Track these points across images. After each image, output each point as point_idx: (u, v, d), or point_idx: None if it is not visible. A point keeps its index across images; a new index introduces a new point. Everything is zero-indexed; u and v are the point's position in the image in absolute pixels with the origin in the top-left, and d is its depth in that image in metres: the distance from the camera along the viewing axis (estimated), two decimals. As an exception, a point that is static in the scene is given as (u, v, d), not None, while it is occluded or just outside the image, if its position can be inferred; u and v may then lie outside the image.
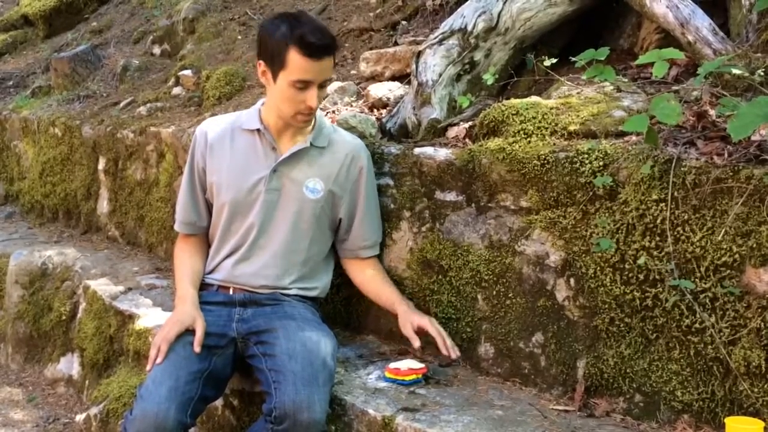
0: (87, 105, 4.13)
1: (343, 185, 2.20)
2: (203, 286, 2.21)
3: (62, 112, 4.14)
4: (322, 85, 2.08)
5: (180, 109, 3.66)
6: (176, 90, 3.85)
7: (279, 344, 1.97)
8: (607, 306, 1.88)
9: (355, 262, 2.29)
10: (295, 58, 2.00)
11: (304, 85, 2.03)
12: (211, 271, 2.22)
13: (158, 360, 1.94)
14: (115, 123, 3.73)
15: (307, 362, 1.90)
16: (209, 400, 2.03)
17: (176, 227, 2.30)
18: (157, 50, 4.53)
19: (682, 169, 1.76)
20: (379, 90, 2.69)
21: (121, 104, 3.93)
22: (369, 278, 2.26)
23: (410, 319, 2.12)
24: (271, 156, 2.16)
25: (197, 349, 1.97)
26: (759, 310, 1.65)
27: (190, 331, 2.01)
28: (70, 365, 3.12)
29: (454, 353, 2.06)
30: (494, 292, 2.09)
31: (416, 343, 2.09)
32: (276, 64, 2.04)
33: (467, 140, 2.26)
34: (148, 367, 1.94)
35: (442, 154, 2.23)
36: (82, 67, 4.38)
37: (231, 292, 2.17)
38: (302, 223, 2.16)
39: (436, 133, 2.37)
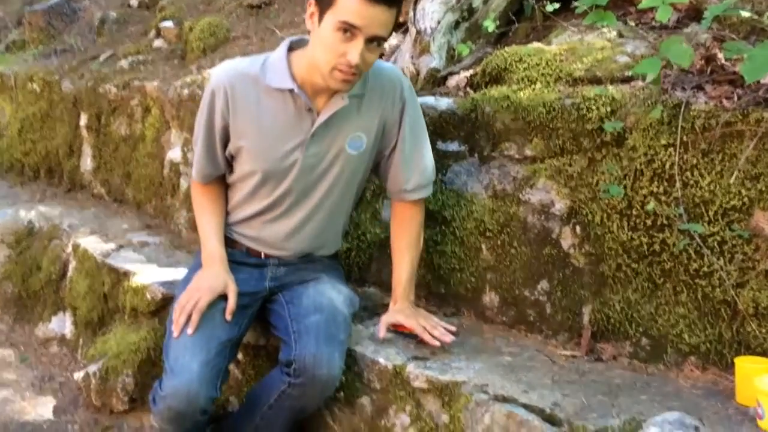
0: (65, 59, 4.01)
1: (387, 124, 1.99)
2: (231, 242, 2.07)
3: (39, 67, 4.01)
4: (372, 41, 1.76)
5: (163, 62, 3.57)
6: (157, 42, 3.75)
7: (308, 295, 1.94)
8: (613, 252, 1.89)
9: (397, 206, 2.08)
10: None
11: (350, 31, 1.73)
12: (238, 223, 2.06)
13: (189, 331, 1.84)
14: (96, 77, 3.63)
15: (331, 317, 1.88)
16: (230, 365, 1.96)
17: (193, 176, 2.09)
18: (134, 1, 4.39)
19: (691, 113, 1.75)
20: (374, 39, 2.64)
21: (101, 58, 3.82)
22: (397, 234, 2.07)
23: (392, 320, 1.99)
24: (306, 118, 1.91)
25: (229, 317, 1.89)
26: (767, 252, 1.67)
27: (221, 297, 1.91)
28: (62, 324, 3.08)
29: (447, 337, 1.93)
30: (498, 242, 2.09)
31: (380, 333, 1.96)
32: (325, 2, 1.76)
33: (468, 89, 2.23)
34: (175, 334, 1.85)
35: (443, 103, 2.20)
36: (58, 20, 4.24)
37: (263, 256, 2.06)
38: (344, 182, 1.99)
39: (436, 82, 2.33)
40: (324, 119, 1.91)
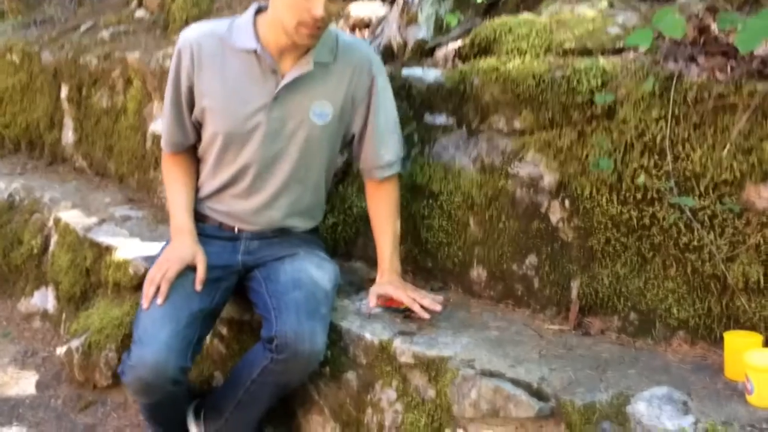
0: (45, 30, 3.93)
1: (355, 99, 1.99)
2: (203, 218, 2.06)
3: (19, 37, 3.93)
4: None
5: (145, 33, 3.49)
6: (139, 13, 3.67)
7: (284, 271, 1.92)
8: (602, 226, 1.87)
9: (370, 184, 2.09)
10: None
11: None
12: (208, 197, 2.05)
13: (158, 301, 1.84)
14: (77, 48, 3.55)
15: (310, 292, 1.86)
16: (205, 337, 1.96)
17: (162, 146, 2.09)
18: (116, -29, 4.29)
19: (683, 85, 1.72)
20: (361, 9, 2.58)
21: (82, 29, 3.74)
22: (374, 211, 2.09)
23: (380, 291, 1.98)
24: (271, 80, 1.91)
25: (199, 287, 1.89)
26: (758, 227, 1.65)
27: (190, 268, 1.91)
28: (44, 299, 3.04)
29: (437, 306, 1.93)
30: (486, 216, 2.07)
31: (371, 303, 1.97)
32: None
33: (457, 60, 2.19)
34: (144, 305, 1.85)
35: (431, 75, 2.16)
36: (37, -11, 4.14)
37: (236, 231, 2.04)
38: (310, 152, 1.97)
39: (424, 53, 2.29)
40: (288, 81, 1.90)
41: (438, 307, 1.93)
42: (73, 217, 2.94)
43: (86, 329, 2.57)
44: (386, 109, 2.04)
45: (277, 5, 1.83)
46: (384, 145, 2.04)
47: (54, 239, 2.97)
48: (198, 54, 1.94)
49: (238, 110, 1.93)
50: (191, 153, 2.09)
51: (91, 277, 2.73)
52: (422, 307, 1.93)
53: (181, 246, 1.96)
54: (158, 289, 1.87)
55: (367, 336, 1.86)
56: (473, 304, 2.07)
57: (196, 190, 2.08)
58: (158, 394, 1.82)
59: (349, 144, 2.10)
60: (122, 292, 2.54)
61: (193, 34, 1.97)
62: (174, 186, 2.07)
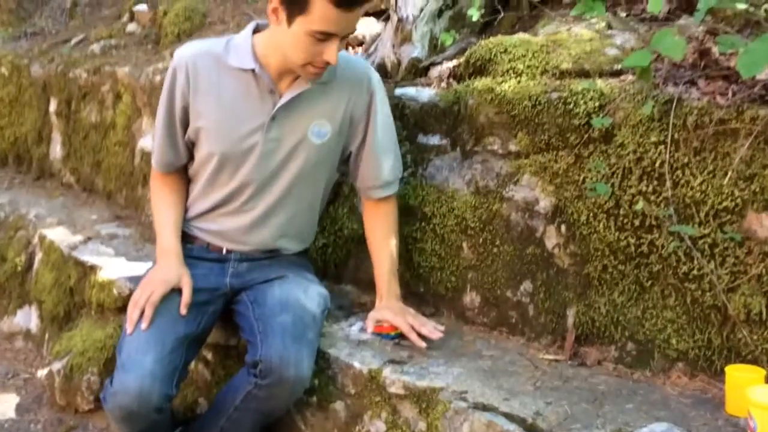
0: (35, 42, 3.88)
1: (354, 117, 1.93)
2: (191, 239, 2.00)
3: (8, 50, 3.88)
4: (344, 37, 1.76)
5: (136, 47, 3.45)
6: (131, 27, 3.63)
7: (272, 294, 1.86)
8: (599, 253, 1.82)
9: (368, 204, 2.03)
10: (322, 6, 1.66)
11: (325, 37, 1.71)
12: (197, 217, 1.99)
13: (143, 325, 1.78)
14: (67, 62, 3.50)
15: (298, 317, 1.80)
16: (190, 363, 1.91)
17: (153, 165, 2.03)
18: (108, -16, 4.25)
19: (683, 109, 1.68)
20: (355, 26, 2.54)
21: (72, 42, 3.69)
22: (371, 232, 2.02)
23: (379, 316, 1.92)
24: (268, 100, 1.85)
25: (184, 311, 1.83)
26: (761, 257, 1.60)
27: (176, 291, 1.85)
28: (27, 318, 2.97)
29: (436, 335, 1.85)
30: (480, 240, 2.01)
31: (368, 330, 1.91)
32: (295, 5, 1.69)
33: (451, 80, 2.14)
34: (128, 330, 1.79)
35: (425, 94, 2.11)
36: (29, 1, 4.09)
37: (224, 252, 1.98)
38: (307, 172, 1.91)
39: (418, 72, 2.24)
40: (286, 101, 1.85)
41: (436, 336, 1.85)
42: (58, 235, 2.88)
43: (68, 351, 2.50)
44: (385, 127, 1.98)
45: (282, 40, 1.77)
46: (382, 164, 1.98)
47: (38, 257, 2.91)
48: (194, 73, 1.88)
49: (233, 130, 1.87)
50: (182, 172, 2.03)
51: (75, 297, 2.67)
52: (420, 335, 1.85)
53: (167, 268, 1.90)
54: (143, 313, 1.81)
55: (356, 365, 1.79)
56: (466, 331, 2.01)
57: (185, 210, 2.03)
58: (141, 422, 1.75)
59: (345, 162, 2.04)
60: (106, 314, 2.47)
61: (188, 52, 1.91)
62: (162, 206, 2.02)
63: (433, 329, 1.86)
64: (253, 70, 1.84)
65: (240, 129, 1.87)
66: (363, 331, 1.94)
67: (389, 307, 1.93)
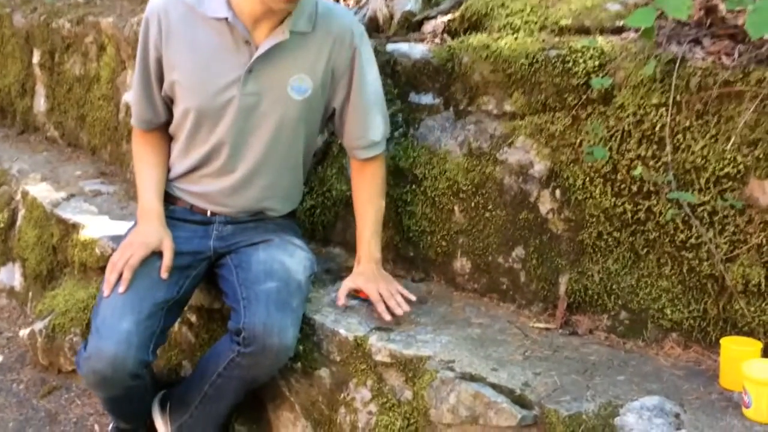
0: (17, -10, 3.74)
1: (335, 72, 1.84)
2: (174, 200, 1.93)
3: (-11, -2, 3.74)
4: None
5: (121, -3, 3.32)
6: (117, -25, 3.49)
7: (257, 258, 1.80)
8: (594, 219, 1.76)
9: (354, 164, 1.95)
10: None
11: None
12: (179, 178, 1.92)
13: (120, 289, 1.71)
14: (50, 11, 3.38)
15: (283, 283, 1.74)
16: (170, 328, 1.85)
17: (132, 122, 1.96)
18: (93, -70, 4.09)
19: (686, 70, 1.59)
20: (346, -22, 2.43)
21: (56, -10, 3.55)
22: (356, 192, 1.95)
23: (351, 284, 1.85)
24: (244, 52, 1.77)
25: (164, 275, 1.76)
26: (761, 225, 1.54)
27: (156, 254, 1.78)
28: (11, 276, 2.91)
29: (400, 310, 1.77)
30: (472, 204, 1.94)
31: (339, 301, 1.83)
32: None
33: (445, 36, 2.05)
34: (105, 293, 1.72)
35: (417, 51, 2.02)
36: (9, -53, 3.93)
37: (208, 214, 1.91)
38: (288, 130, 1.83)
39: (411, 27, 2.14)
40: (262, 52, 1.76)
41: (400, 312, 1.77)
42: (41, 191, 2.81)
43: (51, 311, 2.45)
44: (370, 84, 1.89)
45: None
46: (368, 123, 1.89)
47: (21, 213, 2.84)
48: (166, 23, 1.80)
49: (208, 84, 1.79)
50: (163, 131, 1.95)
51: (58, 256, 2.61)
52: (387, 307, 1.78)
53: (147, 230, 1.83)
54: (121, 276, 1.75)
55: (342, 332, 1.74)
56: (456, 297, 1.96)
57: (167, 170, 1.95)
58: (116, 388, 1.71)
59: (330, 120, 1.96)
60: (89, 273, 2.41)
61: (160, 1, 1.82)
62: (143, 166, 1.94)
63: (401, 301, 1.79)
64: (226, 19, 1.75)
65: (215, 82, 1.78)
66: (350, 297, 1.88)
67: (363, 273, 1.87)
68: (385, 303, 1.78)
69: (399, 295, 1.81)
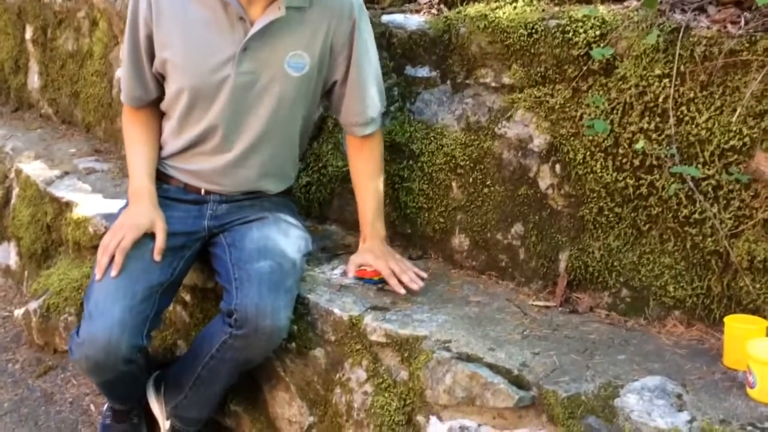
0: (8, -35, 3.66)
1: (334, 48, 1.79)
2: (167, 179, 1.89)
3: (-20, -28, 3.67)
4: None
5: (114, -30, 3.25)
6: (109, -52, 3.41)
7: (251, 237, 1.76)
8: (595, 195, 1.71)
9: (351, 141, 1.91)
10: None
11: None
12: (172, 156, 1.87)
13: (113, 273, 1.67)
14: (41, -15, 3.32)
15: (276, 263, 1.69)
16: (164, 310, 1.80)
17: (122, 99, 1.90)
18: None
19: (690, 39, 1.54)
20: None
21: (47, -36, 3.48)
22: (356, 170, 1.90)
23: (360, 260, 1.82)
24: (238, 29, 1.70)
25: (157, 257, 1.72)
26: (767, 200, 1.49)
27: (149, 236, 1.73)
28: (6, 254, 2.88)
29: (416, 285, 1.75)
30: (470, 180, 1.90)
31: (349, 274, 1.82)
32: None
33: (442, 6, 1.99)
34: (97, 277, 1.68)
35: (413, 22, 1.96)
36: None
37: (202, 193, 1.87)
38: (285, 108, 1.78)
39: (407, -3, 2.09)
40: (258, 29, 1.69)
41: (416, 287, 1.75)
42: (34, 169, 2.77)
43: (45, 290, 2.42)
44: (369, 58, 1.83)
45: None
46: (366, 99, 1.84)
47: (15, 191, 2.81)
48: (156, 0, 1.73)
49: (202, 62, 1.73)
50: (154, 107, 1.89)
51: (53, 234, 2.58)
52: (400, 281, 1.76)
53: (139, 211, 1.78)
54: (113, 259, 1.70)
55: (336, 311, 1.71)
56: (454, 275, 1.92)
57: (159, 148, 1.90)
58: (109, 373, 1.68)
59: (327, 95, 1.91)
60: (83, 252, 2.38)
61: None
62: (133, 144, 1.89)
63: (414, 278, 1.76)
64: None
65: (209, 61, 1.73)
66: (345, 275, 1.85)
67: (371, 250, 1.83)
68: (397, 278, 1.75)
69: (411, 272, 1.77)
